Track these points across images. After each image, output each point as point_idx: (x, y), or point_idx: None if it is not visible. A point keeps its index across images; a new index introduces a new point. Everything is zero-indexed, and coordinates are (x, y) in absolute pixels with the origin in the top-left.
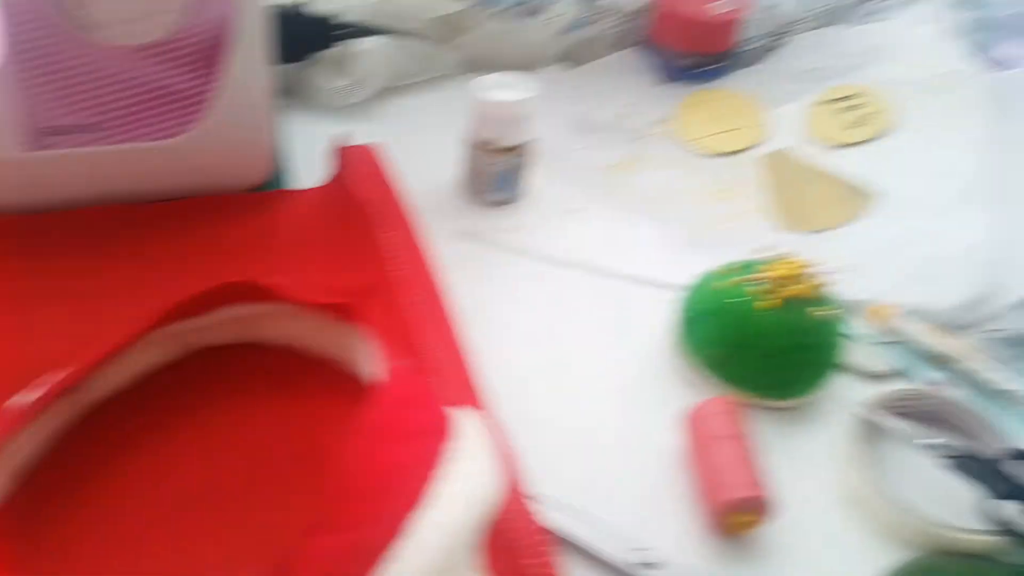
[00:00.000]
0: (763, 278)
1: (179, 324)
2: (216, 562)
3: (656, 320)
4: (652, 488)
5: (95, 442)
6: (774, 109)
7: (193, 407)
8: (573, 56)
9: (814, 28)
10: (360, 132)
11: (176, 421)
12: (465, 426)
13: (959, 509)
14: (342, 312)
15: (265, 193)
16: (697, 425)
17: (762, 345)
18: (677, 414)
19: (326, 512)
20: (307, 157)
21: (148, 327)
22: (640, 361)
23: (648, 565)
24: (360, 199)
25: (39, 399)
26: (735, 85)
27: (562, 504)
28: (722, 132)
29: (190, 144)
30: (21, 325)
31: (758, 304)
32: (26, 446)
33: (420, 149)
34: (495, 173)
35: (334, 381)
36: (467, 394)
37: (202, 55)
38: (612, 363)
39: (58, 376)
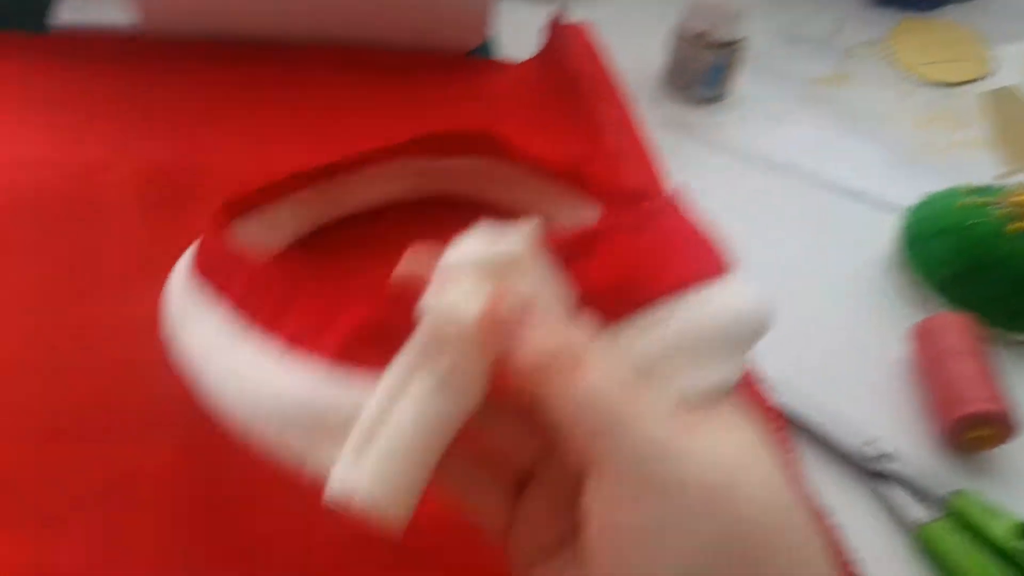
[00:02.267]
0: (1014, 202)
1: (419, 161)
2: None
3: (871, 235)
4: (880, 398)
5: (326, 252)
6: (999, 46)
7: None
8: None
9: None
10: (571, 13)
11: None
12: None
13: None
14: (579, 180)
15: (478, 59)
16: (928, 340)
17: (1011, 268)
18: (901, 328)
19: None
20: (515, 35)
21: (395, 153)
22: (857, 273)
23: (883, 456)
24: (574, 73)
25: (299, 173)
26: (955, 17)
27: (793, 390)
28: (942, 62)
29: None
30: (260, 136)
31: (1010, 227)
32: (280, 213)
33: (628, 36)
34: (704, 68)
35: None
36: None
37: None
38: (827, 271)
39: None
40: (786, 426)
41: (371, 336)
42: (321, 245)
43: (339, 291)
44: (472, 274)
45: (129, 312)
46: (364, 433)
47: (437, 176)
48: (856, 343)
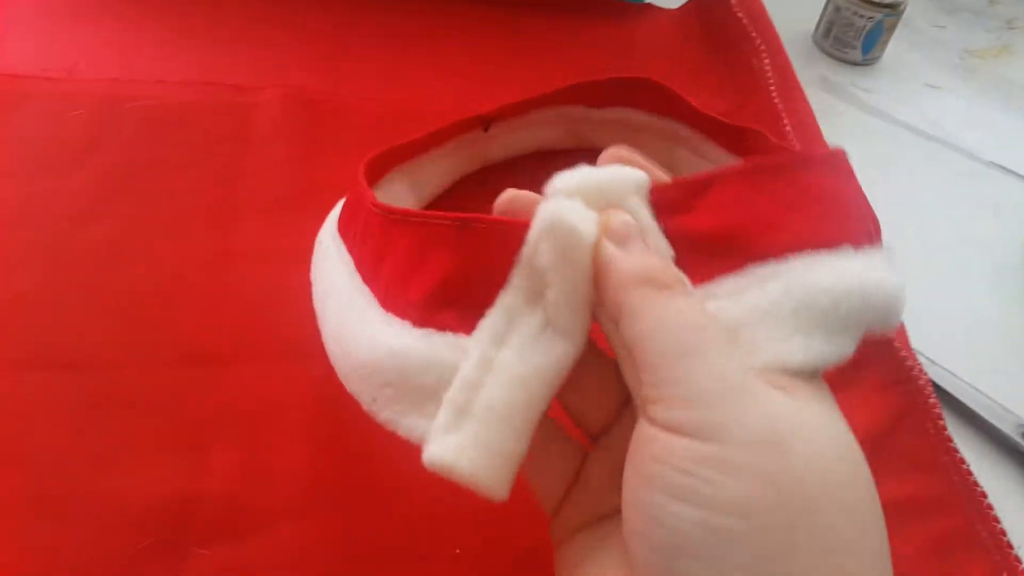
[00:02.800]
0: None
1: (573, 109)
2: None
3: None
4: None
5: (479, 194)
6: None
7: None
8: None
9: None
10: None
11: None
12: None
13: None
14: (748, 143)
15: (630, 3)
16: None
17: None
18: None
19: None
20: None
21: (550, 100)
22: (1007, 250)
23: None
24: (732, 22)
25: (450, 124)
26: None
27: (941, 370)
28: None
29: None
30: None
31: None
32: (427, 166)
33: None
34: (861, 29)
35: None
36: None
37: None
38: (977, 247)
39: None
40: (935, 402)
41: (461, 284)
42: (458, 197)
43: (428, 238)
44: (580, 197)
45: (273, 239)
46: (463, 393)
47: (589, 127)
48: (1007, 322)
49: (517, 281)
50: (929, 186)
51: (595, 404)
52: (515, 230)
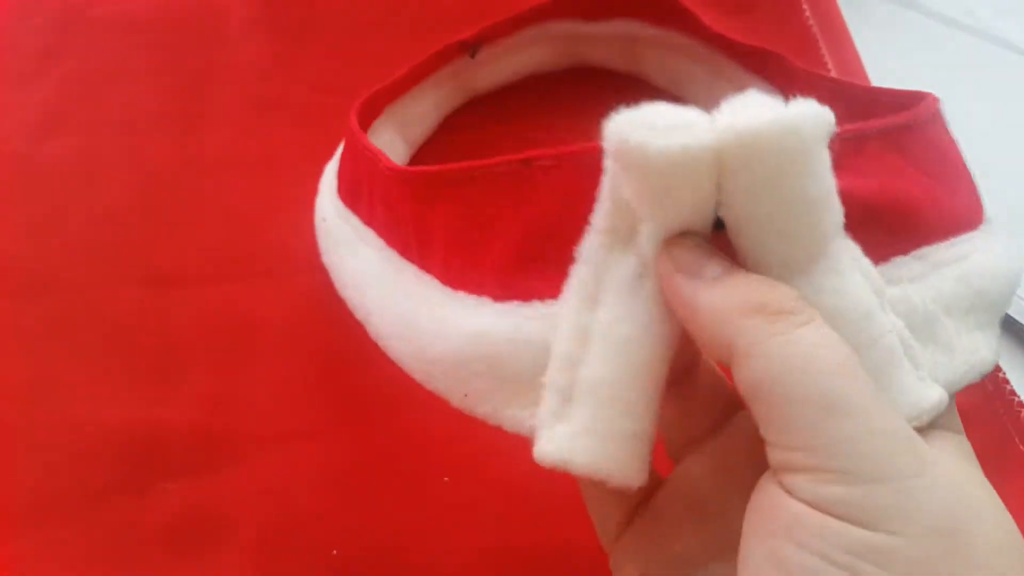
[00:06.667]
0: None
1: (567, 24)
2: None
3: None
4: None
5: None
6: None
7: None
8: None
9: None
10: None
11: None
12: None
13: None
14: (758, 60)
15: None
16: None
17: None
18: None
19: None
20: None
21: (537, 15)
22: None
23: None
24: None
25: (433, 54)
26: None
27: None
28: None
29: None
30: None
31: None
32: (414, 106)
33: None
34: None
35: None
36: None
37: None
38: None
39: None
40: None
41: (539, 240)
42: (456, 135)
43: (483, 194)
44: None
45: (246, 146)
46: (563, 373)
47: (584, 44)
48: None
49: (599, 222)
50: (964, 82)
51: (687, 412)
52: (589, 157)
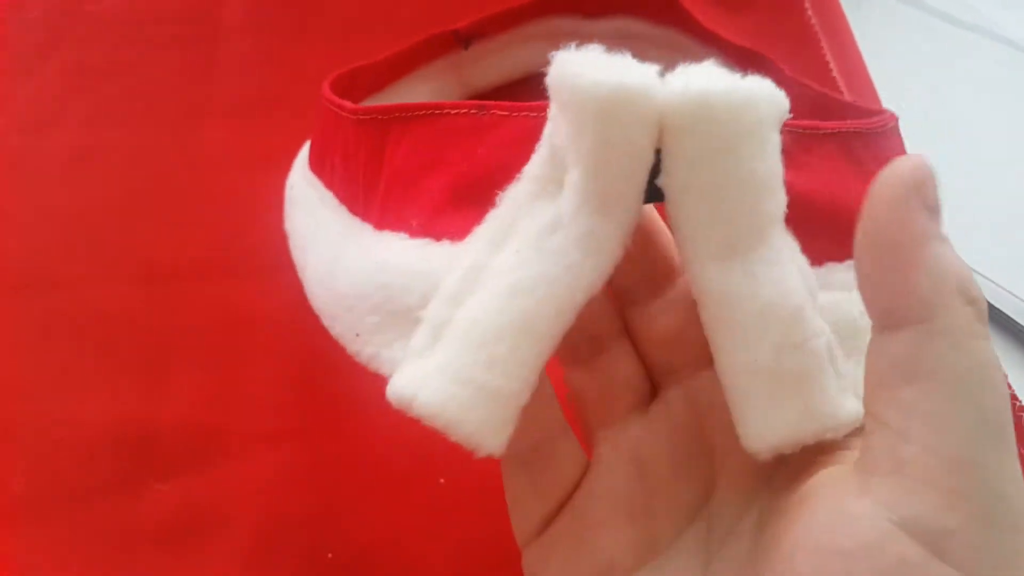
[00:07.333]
0: None
1: (565, 20)
2: None
3: None
4: None
5: None
6: None
7: None
8: None
9: None
10: None
11: None
12: None
13: None
14: (749, 61)
15: None
16: None
17: None
18: None
19: None
20: None
21: (534, 10)
22: None
23: None
24: None
25: (425, 39)
26: None
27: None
28: None
29: None
30: None
31: None
32: (407, 96)
33: None
34: None
35: None
36: None
37: None
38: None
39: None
40: None
41: (472, 185)
42: None
43: (435, 136)
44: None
45: (244, 143)
46: (443, 309)
47: (583, 42)
48: None
49: (530, 170)
50: (965, 79)
51: (602, 394)
52: (543, 111)
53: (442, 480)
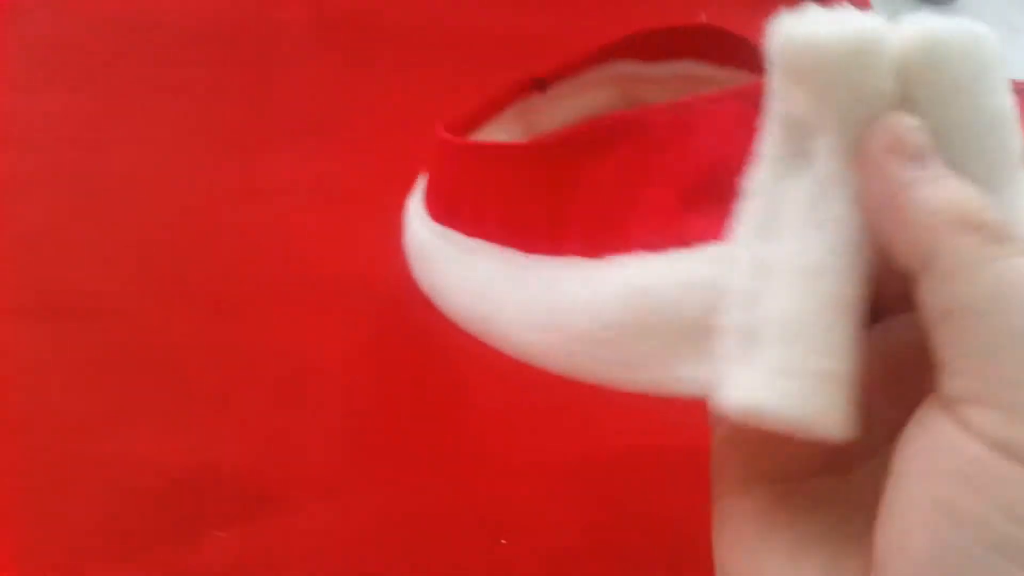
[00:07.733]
0: None
1: (629, 65)
2: None
3: None
4: None
5: None
6: None
7: None
8: None
9: None
10: None
11: None
12: None
13: None
14: None
15: None
16: None
17: None
18: None
19: None
20: None
21: (600, 56)
22: None
23: None
24: None
25: (505, 88)
26: None
27: None
28: None
29: None
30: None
31: None
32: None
33: None
34: None
35: None
36: None
37: None
38: None
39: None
40: None
41: (700, 183)
42: None
43: (636, 151)
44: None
45: (304, 172)
46: (742, 311)
47: (644, 86)
48: None
49: (766, 150)
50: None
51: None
52: (747, 92)
53: (504, 541)
